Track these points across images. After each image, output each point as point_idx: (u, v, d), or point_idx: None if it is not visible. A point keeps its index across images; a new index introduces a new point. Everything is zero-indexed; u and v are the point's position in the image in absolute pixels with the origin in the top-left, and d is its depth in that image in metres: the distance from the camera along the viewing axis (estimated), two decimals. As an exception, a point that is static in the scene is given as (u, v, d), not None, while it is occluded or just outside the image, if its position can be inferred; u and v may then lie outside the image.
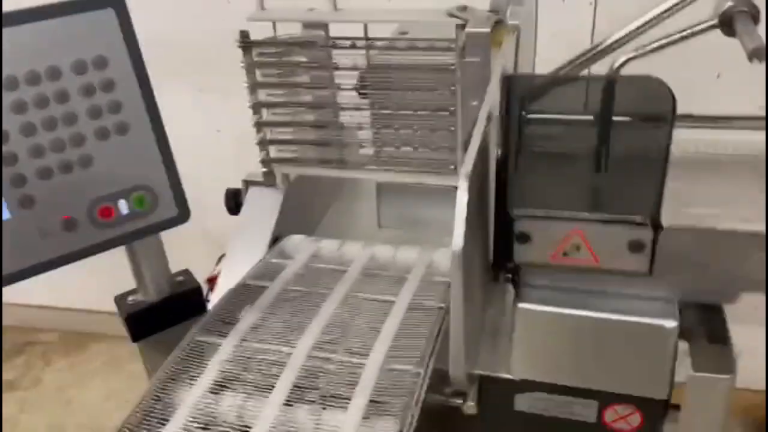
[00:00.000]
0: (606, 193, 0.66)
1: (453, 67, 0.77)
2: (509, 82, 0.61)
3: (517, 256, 0.66)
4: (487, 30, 0.70)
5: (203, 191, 1.23)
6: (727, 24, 0.62)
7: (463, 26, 0.72)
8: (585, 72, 0.73)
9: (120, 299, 0.72)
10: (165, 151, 0.62)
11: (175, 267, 0.77)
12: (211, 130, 1.59)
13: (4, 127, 0.54)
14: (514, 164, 0.64)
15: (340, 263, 0.81)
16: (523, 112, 0.63)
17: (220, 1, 1.40)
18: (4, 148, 0.54)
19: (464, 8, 0.75)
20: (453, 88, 0.78)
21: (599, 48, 0.69)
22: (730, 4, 0.61)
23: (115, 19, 0.56)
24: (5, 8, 0.52)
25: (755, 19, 0.61)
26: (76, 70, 0.56)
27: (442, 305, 0.69)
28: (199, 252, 1.82)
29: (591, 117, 0.62)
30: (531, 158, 0.66)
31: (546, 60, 0.96)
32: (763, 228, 0.59)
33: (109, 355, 2.03)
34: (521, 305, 0.68)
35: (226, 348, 0.65)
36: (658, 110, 0.57)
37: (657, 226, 0.61)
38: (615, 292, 0.66)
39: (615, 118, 0.61)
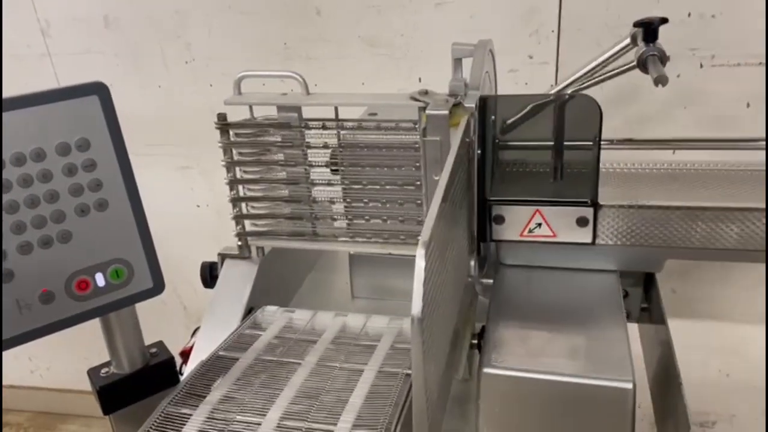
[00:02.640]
0: (559, 185, 0.85)
1: (417, 145, 0.82)
2: (484, 103, 0.79)
3: (495, 234, 0.84)
4: (446, 112, 0.76)
5: (185, 265, 1.26)
6: (642, 65, 0.87)
7: (424, 108, 0.78)
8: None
9: (93, 372, 0.73)
10: (142, 226, 0.65)
11: (156, 339, 0.79)
12: (192, 205, 1.63)
13: (-12, 206, 0.57)
14: (491, 164, 0.83)
15: (312, 333, 0.83)
16: (495, 133, 0.82)
17: (203, 84, 1.47)
18: (-14, 226, 0.57)
19: (425, 92, 0.81)
20: (418, 164, 0.84)
21: (558, 88, 0.94)
22: (644, 49, 0.87)
23: (99, 105, 0.61)
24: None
25: (662, 61, 0.86)
26: (60, 152, 0.60)
27: (410, 372, 0.71)
28: (180, 324, 1.83)
29: (548, 138, 0.82)
30: (502, 164, 0.87)
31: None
32: (681, 203, 0.79)
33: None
34: (486, 370, 0.70)
35: (197, 420, 0.66)
36: (591, 120, 0.77)
37: (597, 205, 0.81)
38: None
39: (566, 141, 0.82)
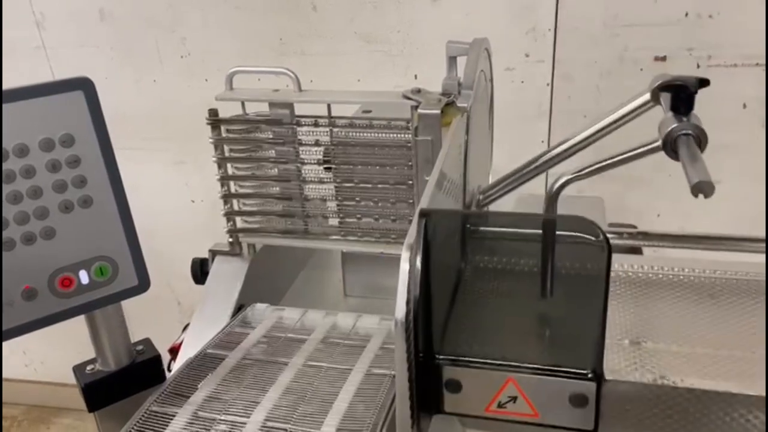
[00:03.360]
0: (543, 336, 0.61)
1: (409, 144, 0.82)
2: (426, 219, 0.54)
3: (447, 405, 0.58)
4: (437, 111, 0.75)
5: (179, 260, 1.26)
6: (671, 147, 0.57)
7: (416, 107, 0.77)
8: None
9: (78, 369, 0.73)
10: (127, 223, 0.64)
11: (153, 335, 0.78)
12: (187, 200, 1.63)
13: (-30, 201, 0.56)
14: (441, 306, 0.59)
15: (302, 332, 0.83)
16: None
17: (199, 79, 1.46)
18: (-32, 221, 0.56)
19: (418, 91, 0.81)
20: (410, 163, 0.83)
21: (544, 159, 0.69)
22: (674, 126, 0.57)
23: (84, 100, 0.60)
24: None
25: (700, 145, 0.57)
26: (44, 147, 0.59)
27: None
28: (175, 320, 1.82)
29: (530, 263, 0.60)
30: (464, 291, 0.63)
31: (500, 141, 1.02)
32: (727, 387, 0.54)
33: (75, 430, 1.97)
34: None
35: (181, 419, 0.66)
36: (595, 262, 0.52)
37: (601, 379, 0.54)
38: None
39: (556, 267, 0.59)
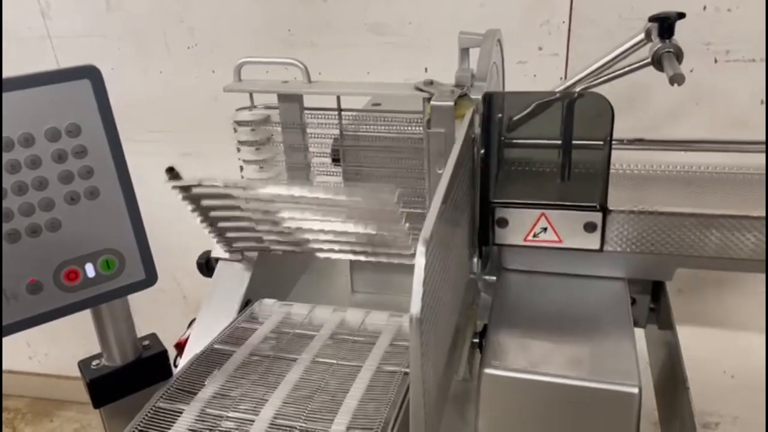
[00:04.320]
0: (566, 187, 0.81)
1: (420, 138, 0.80)
2: (489, 99, 0.75)
3: (497, 238, 0.79)
4: (451, 103, 0.73)
5: (185, 253, 1.25)
6: (657, 62, 0.81)
7: (428, 99, 0.76)
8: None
9: (84, 364, 0.71)
10: (134, 215, 0.63)
11: (158, 330, 0.77)
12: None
13: (-26, 191, 0.55)
14: (495, 164, 0.79)
15: (310, 328, 0.81)
16: (500, 131, 0.78)
17: (206, 70, 1.45)
18: (-28, 212, 0.55)
19: (430, 82, 0.79)
20: (420, 157, 0.81)
21: (566, 84, 0.89)
22: (659, 45, 0.81)
23: (91, 89, 0.59)
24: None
25: (678, 58, 0.80)
26: (50, 137, 0.58)
27: (408, 371, 0.69)
28: (181, 314, 1.81)
29: (555, 137, 0.79)
30: (507, 163, 0.83)
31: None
32: (694, 210, 0.75)
33: (79, 423, 1.97)
34: (486, 371, 0.68)
35: (188, 416, 0.65)
36: (602, 119, 0.72)
37: (606, 210, 0.76)
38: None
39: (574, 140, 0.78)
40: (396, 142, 0.83)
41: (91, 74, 0.59)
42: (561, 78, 1.23)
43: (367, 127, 0.83)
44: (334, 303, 0.88)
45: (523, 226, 0.78)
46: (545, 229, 0.77)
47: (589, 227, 0.76)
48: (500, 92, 0.83)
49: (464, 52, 0.81)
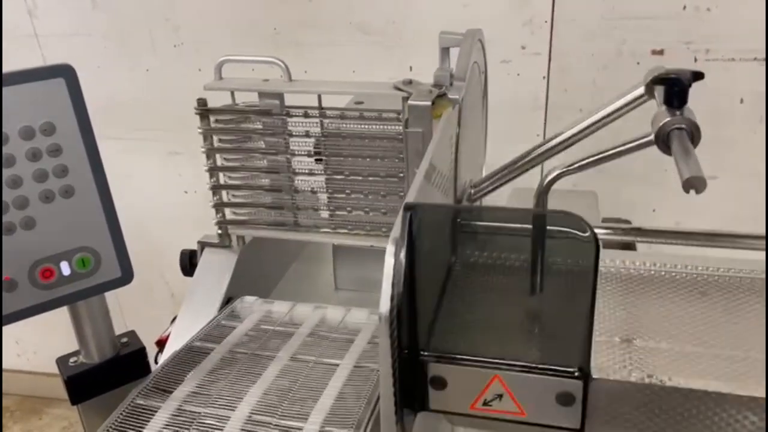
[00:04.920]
0: (531, 333, 0.59)
1: (400, 136, 0.80)
2: (411, 213, 0.53)
3: (433, 402, 0.57)
4: (428, 103, 0.74)
5: (171, 251, 1.25)
6: (663, 142, 0.57)
7: (407, 98, 0.76)
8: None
9: (62, 361, 0.72)
10: (109, 213, 0.63)
11: (146, 328, 0.77)
12: (180, 191, 1.61)
13: (-52, 189, 0.55)
14: (431, 301, 0.59)
15: (290, 325, 0.82)
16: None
17: (192, 68, 1.45)
18: (-54, 210, 0.55)
19: (410, 82, 0.79)
20: (401, 155, 0.82)
21: (536, 152, 0.69)
22: (667, 120, 0.56)
23: (65, 88, 0.59)
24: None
25: (693, 139, 0.56)
26: (24, 135, 0.58)
27: (385, 368, 0.69)
28: (168, 311, 1.81)
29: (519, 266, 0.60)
30: (449, 294, 0.62)
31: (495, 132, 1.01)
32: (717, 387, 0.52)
33: (67, 421, 1.97)
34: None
35: (164, 413, 0.65)
36: (582, 258, 0.51)
37: (588, 377, 0.53)
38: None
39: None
40: (376, 141, 0.83)
41: (65, 73, 0.59)
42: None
43: (349, 125, 0.84)
44: (318, 300, 0.88)
45: (469, 391, 0.56)
46: (500, 396, 0.55)
47: (565, 399, 0.53)
48: (429, 205, 0.59)
49: (444, 52, 0.81)
